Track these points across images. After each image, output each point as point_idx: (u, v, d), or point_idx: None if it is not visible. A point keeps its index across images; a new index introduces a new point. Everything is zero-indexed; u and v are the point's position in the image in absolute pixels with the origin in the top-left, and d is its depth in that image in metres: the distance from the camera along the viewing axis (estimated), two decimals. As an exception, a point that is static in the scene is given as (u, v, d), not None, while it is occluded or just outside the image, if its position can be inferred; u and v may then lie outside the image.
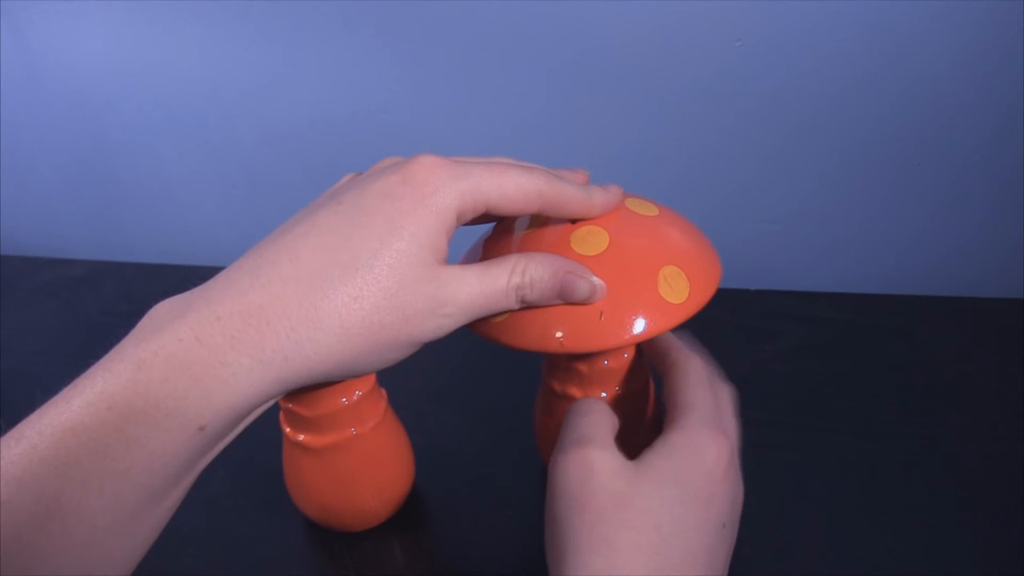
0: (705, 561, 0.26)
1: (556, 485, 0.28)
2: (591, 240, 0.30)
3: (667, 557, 0.25)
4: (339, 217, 0.27)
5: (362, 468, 0.37)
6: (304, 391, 0.33)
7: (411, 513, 0.41)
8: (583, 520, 0.26)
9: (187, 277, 0.30)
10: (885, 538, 0.37)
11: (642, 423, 0.36)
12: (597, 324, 0.29)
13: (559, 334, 0.29)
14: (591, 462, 0.27)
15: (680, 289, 0.30)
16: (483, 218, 0.31)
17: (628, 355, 0.35)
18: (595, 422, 0.29)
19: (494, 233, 0.34)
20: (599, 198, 0.30)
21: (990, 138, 0.52)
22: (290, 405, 0.35)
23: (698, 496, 0.27)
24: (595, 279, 0.29)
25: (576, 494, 0.27)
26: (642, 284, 0.30)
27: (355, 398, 0.35)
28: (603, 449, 0.28)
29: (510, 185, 0.28)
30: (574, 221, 0.31)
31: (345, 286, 0.25)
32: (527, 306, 0.30)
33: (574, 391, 0.36)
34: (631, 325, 0.29)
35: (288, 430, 0.36)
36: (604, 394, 0.35)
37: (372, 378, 0.36)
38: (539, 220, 0.32)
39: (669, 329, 0.30)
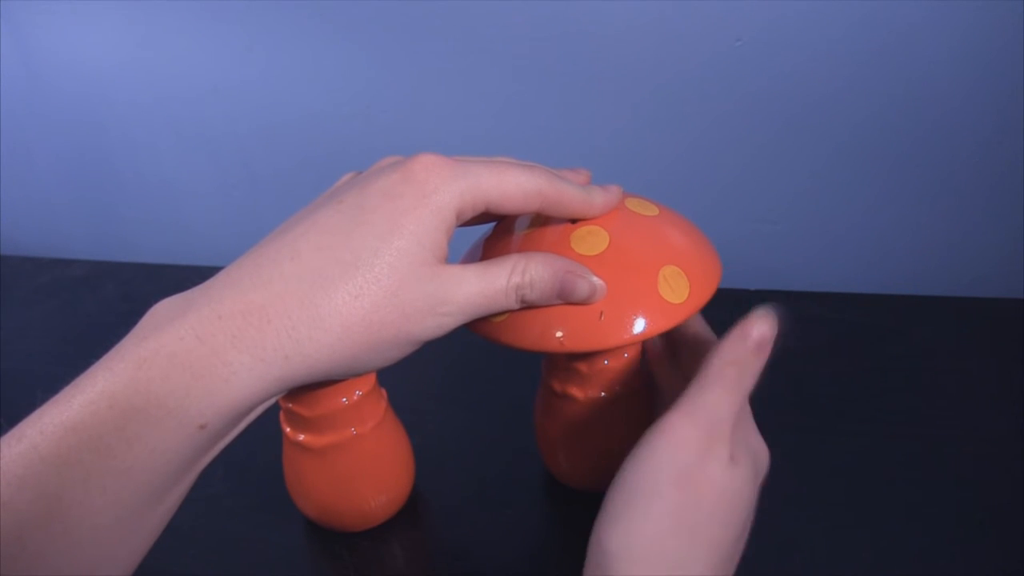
0: (737, 554, 0.27)
1: (665, 448, 0.26)
2: (591, 240, 0.30)
3: (725, 553, 0.26)
4: (340, 216, 0.27)
5: (362, 468, 0.37)
6: (304, 391, 0.33)
7: (411, 513, 0.41)
8: (677, 497, 0.25)
9: (187, 277, 0.30)
10: (885, 538, 0.37)
11: (642, 423, 0.36)
12: (597, 324, 0.29)
13: (559, 334, 0.29)
14: (712, 449, 0.26)
15: (680, 289, 0.30)
16: (483, 217, 0.31)
17: (628, 355, 0.35)
18: (731, 402, 0.27)
19: (494, 233, 0.34)
20: (599, 198, 0.31)
21: (990, 137, 0.52)
22: (290, 405, 0.35)
23: (754, 498, 0.28)
24: (595, 279, 0.29)
25: (682, 469, 0.25)
26: (642, 284, 0.30)
27: (355, 398, 0.35)
28: (725, 441, 0.26)
29: (510, 184, 0.28)
30: (574, 221, 0.31)
31: (346, 284, 0.25)
32: (527, 306, 0.30)
33: (574, 391, 0.36)
34: (631, 325, 0.29)
35: (288, 430, 0.36)
36: (604, 394, 0.35)
37: (372, 378, 0.36)
38: (539, 220, 0.32)
39: (669, 328, 0.30)
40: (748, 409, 0.30)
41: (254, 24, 0.61)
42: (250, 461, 0.43)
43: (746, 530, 0.27)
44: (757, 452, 0.28)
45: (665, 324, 0.30)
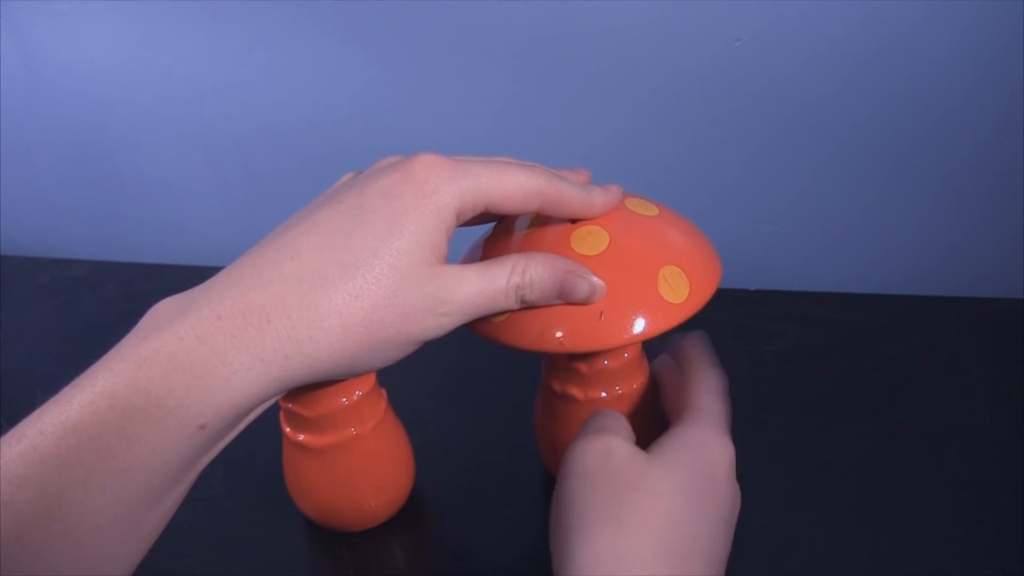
0: (708, 551, 0.27)
1: (571, 465, 0.28)
2: (591, 240, 0.30)
3: (674, 542, 0.26)
4: (340, 216, 0.27)
5: (362, 468, 0.37)
6: (304, 391, 0.33)
7: (411, 513, 0.41)
8: (595, 499, 0.26)
9: (187, 277, 0.30)
10: (884, 538, 0.37)
11: (642, 422, 0.36)
12: (597, 324, 0.29)
13: (559, 334, 0.29)
14: (608, 446, 0.28)
15: (680, 289, 0.30)
16: (483, 217, 0.31)
17: (628, 355, 0.35)
18: (615, 420, 0.30)
19: (494, 233, 0.34)
20: (599, 198, 0.31)
21: (990, 137, 0.52)
22: (290, 405, 0.35)
23: (706, 488, 0.27)
24: (595, 279, 0.29)
25: (590, 474, 0.27)
26: (642, 284, 0.30)
27: (355, 398, 0.35)
28: (621, 438, 0.28)
29: (510, 183, 0.28)
30: (574, 221, 0.31)
31: (346, 285, 0.25)
32: (527, 306, 0.30)
33: (574, 391, 0.36)
34: (631, 325, 0.29)
35: (288, 430, 0.36)
36: (604, 394, 0.35)
37: (372, 378, 0.36)
38: (539, 220, 0.32)
39: (669, 328, 0.30)
40: (697, 407, 0.31)
41: (254, 24, 0.61)
42: (250, 461, 0.43)
43: (698, 521, 0.27)
44: (696, 444, 0.29)
45: (665, 324, 0.30)
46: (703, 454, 0.28)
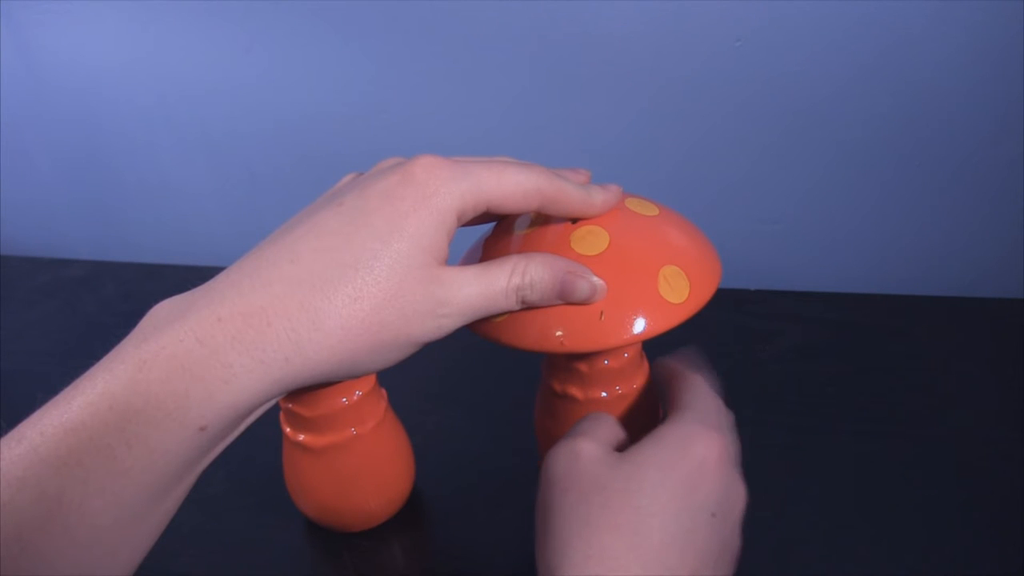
0: (687, 544, 0.26)
1: (545, 470, 0.29)
2: (591, 240, 0.30)
3: (645, 537, 0.26)
4: (340, 218, 0.27)
5: (362, 468, 0.37)
6: (304, 391, 0.32)
7: (411, 513, 0.41)
8: (565, 502, 0.27)
9: (187, 277, 0.30)
10: (885, 538, 0.37)
11: (643, 423, 0.36)
12: (597, 324, 0.29)
13: (559, 334, 0.29)
14: (578, 450, 0.28)
15: (680, 289, 0.30)
16: (483, 217, 0.31)
17: (628, 355, 0.35)
18: (594, 423, 0.30)
19: (494, 233, 0.34)
20: (599, 197, 0.31)
21: (990, 137, 0.52)
22: (290, 405, 0.35)
23: (681, 482, 0.27)
24: (595, 279, 0.29)
25: (561, 478, 0.28)
26: (642, 284, 0.30)
27: (355, 398, 0.35)
28: (591, 440, 0.29)
29: (510, 182, 0.28)
30: (574, 221, 0.31)
31: (346, 287, 0.25)
32: (527, 307, 0.30)
33: (574, 391, 0.36)
34: (631, 325, 0.29)
35: (288, 430, 0.36)
36: (604, 394, 0.35)
37: (372, 378, 0.36)
38: (539, 220, 0.32)
39: (669, 328, 0.30)
40: (680, 406, 0.31)
41: (254, 24, 0.61)
42: (250, 461, 0.43)
43: (672, 515, 0.27)
44: (674, 440, 0.28)
45: (665, 324, 0.30)
46: (682, 449, 0.28)
